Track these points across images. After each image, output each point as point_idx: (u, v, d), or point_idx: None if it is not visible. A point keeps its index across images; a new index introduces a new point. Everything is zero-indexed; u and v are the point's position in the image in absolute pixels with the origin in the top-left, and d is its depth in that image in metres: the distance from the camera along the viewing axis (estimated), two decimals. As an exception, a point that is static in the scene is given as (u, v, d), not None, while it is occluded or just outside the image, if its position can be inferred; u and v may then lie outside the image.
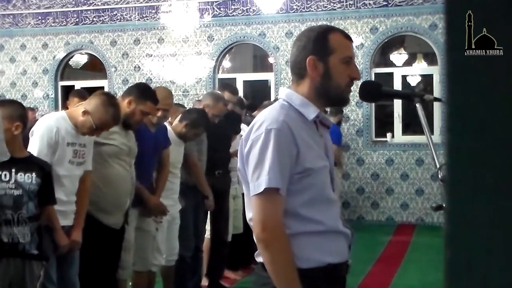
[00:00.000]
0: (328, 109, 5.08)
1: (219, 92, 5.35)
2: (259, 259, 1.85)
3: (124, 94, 3.72)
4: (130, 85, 3.91)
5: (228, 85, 5.43)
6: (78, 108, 3.39)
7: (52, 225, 3.20)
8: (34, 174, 3.02)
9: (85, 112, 3.29)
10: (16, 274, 2.95)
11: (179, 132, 4.34)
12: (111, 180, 3.55)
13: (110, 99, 3.37)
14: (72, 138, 3.29)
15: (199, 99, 5.76)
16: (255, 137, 1.78)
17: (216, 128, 4.90)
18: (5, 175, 2.94)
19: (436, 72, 8.49)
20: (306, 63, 1.83)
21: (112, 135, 3.53)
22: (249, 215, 1.87)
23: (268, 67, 9.61)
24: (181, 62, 9.25)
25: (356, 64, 1.94)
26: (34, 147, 3.21)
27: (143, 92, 3.66)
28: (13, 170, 2.96)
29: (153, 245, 4.14)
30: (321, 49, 1.83)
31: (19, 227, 2.96)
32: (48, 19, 9.85)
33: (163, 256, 4.23)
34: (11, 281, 2.93)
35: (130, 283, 4.12)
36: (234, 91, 5.47)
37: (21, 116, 3.10)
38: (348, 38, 1.89)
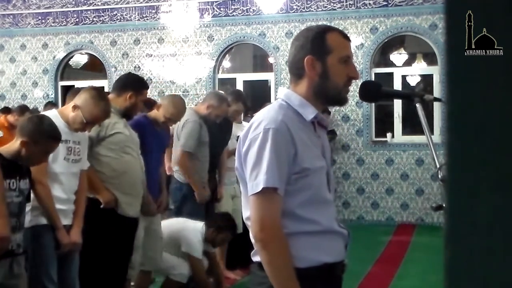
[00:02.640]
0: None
1: (223, 92, 5.35)
2: (256, 258, 1.85)
3: (120, 89, 3.77)
4: (122, 80, 3.96)
5: (240, 96, 5.36)
6: (69, 105, 3.41)
7: (53, 224, 3.21)
8: (27, 179, 3.04)
9: (75, 107, 3.30)
10: (8, 267, 2.95)
11: (207, 237, 4.41)
12: (124, 170, 3.61)
13: (99, 93, 3.39)
14: (65, 135, 3.30)
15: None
16: (253, 137, 1.78)
17: (218, 130, 4.91)
18: (13, 183, 2.94)
19: (436, 72, 8.49)
20: (304, 63, 1.83)
21: (115, 125, 3.60)
22: (245, 214, 1.87)
23: (268, 67, 9.61)
24: (181, 62, 9.25)
25: (354, 63, 1.94)
26: None
27: (139, 84, 3.84)
28: (17, 177, 2.97)
29: (161, 245, 4.17)
30: (319, 49, 1.83)
31: (19, 233, 2.98)
32: (48, 19, 9.85)
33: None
34: (2, 278, 2.93)
35: (132, 283, 4.12)
36: (246, 103, 5.45)
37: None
38: (346, 37, 1.89)
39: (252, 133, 1.79)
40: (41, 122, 2.97)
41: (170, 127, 4.62)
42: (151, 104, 5.56)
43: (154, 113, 4.27)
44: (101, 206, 3.55)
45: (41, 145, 2.94)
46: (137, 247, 3.89)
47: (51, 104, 8.65)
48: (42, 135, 2.94)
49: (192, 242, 4.27)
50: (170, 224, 4.38)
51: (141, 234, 3.92)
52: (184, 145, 4.58)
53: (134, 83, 3.81)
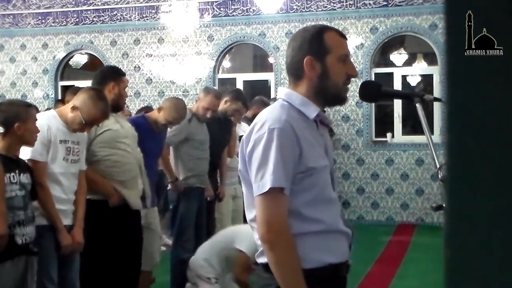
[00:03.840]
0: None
1: (215, 88, 5.30)
2: (261, 259, 1.84)
3: (100, 84, 3.74)
4: (99, 75, 3.92)
5: (240, 95, 5.22)
6: (67, 105, 3.41)
7: (54, 225, 3.21)
8: (28, 174, 3.07)
9: (74, 108, 3.30)
10: (21, 271, 2.99)
11: None
12: (118, 166, 3.59)
13: (98, 93, 3.39)
14: (64, 136, 3.30)
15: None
16: (257, 137, 1.77)
17: (218, 130, 4.88)
18: (13, 176, 2.97)
19: (436, 72, 8.49)
20: (303, 64, 1.83)
21: (104, 122, 3.58)
22: (249, 215, 1.86)
23: (268, 67, 9.61)
24: (181, 62, 9.25)
25: (354, 64, 1.94)
26: (28, 148, 3.20)
27: (116, 73, 3.85)
28: (17, 171, 2.99)
29: (159, 245, 4.17)
30: (317, 49, 1.83)
31: (29, 226, 3.01)
32: (48, 19, 9.85)
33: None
34: (15, 278, 2.96)
35: None
36: (245, 103, 5.25)
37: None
38: (342, 36, 1.90)
39: (256, 133, 1.78)
40: (11, 102, 3.14)
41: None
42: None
43: (154, 115, 4.25)
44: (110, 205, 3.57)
45: (29, 117, 3.03)
46: None
47: (60, 102, 8.61)
48: (22, 108, 3.04)
49: (248, 239, 3.98)
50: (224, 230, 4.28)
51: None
52: (167, 141, 4.57)
53: (111, 74, 3.82)
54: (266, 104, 6.31)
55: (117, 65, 9.39)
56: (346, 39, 1.90)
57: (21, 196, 2.98)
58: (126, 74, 4.02)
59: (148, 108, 6.99)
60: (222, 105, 4.98)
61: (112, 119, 3.65)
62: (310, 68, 1.83)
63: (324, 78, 1.83)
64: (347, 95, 1.92)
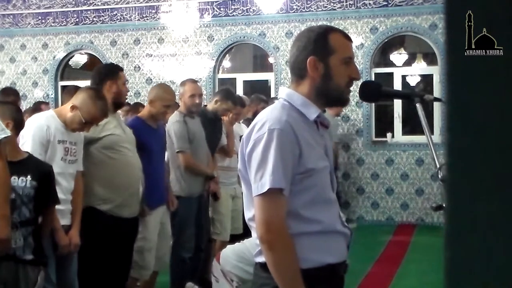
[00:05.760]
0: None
1: (193, 79, 5.24)
2: (259, 259, 1.85)
3: (98, 84, 3.71)
4: (96, 75, 3.84)
5: (229, 94, 5.13)
6: (66, 105, 3.40)
7: (52, 225, 3.19)
8: (29, 177, 2.94)
9: (73, 107, 3.29)
10: (9, 278, 2.86)
11: None
12: (118, 171, 3.58)
13: (97, 93, 3.39)
14: (63, 136, 3.29)
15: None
16: (257, 137, 1.77)
17: (209, 129, 4.87)
18: None
19: (436, 72, 8.49)
20: (306, 64, 1.83)
21: (105, 126, 3.56)
22: (248, 215, 1.86)
23: (268, 67, 9.61)
24: (181, 62, 9.25)
25: (355, 64, 1.94)
26: (27, 148, 3.17)
27: (112, 70, 3.83)
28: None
29: (169, 246, 4.19)
30: (321, 49, 1.83)
31: (12, 231, 2.81)
32: (48, 19, 9.85)
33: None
34: (4, 285, 2.85)
35: (138, 283, 4.15)
36: (235, 102, 5.16)
37: (13, 115, 3.13)
38: (348, 38, 1.89)
39: (256, 133, 1.78)
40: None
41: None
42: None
43: (147, 111, 4.20)
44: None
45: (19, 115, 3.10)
46: (151, 248, 3.93)
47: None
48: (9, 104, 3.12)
49: None
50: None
51: (155, 236, 3.97)
52: (179, 147, 4.53)
53: (107, 72, 3.79)
54: (262, 100, 6.31)
55: (117, 65, 9.41)
56: (351, 41, 1.90)
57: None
58: (126, 74, 4.00)
59: (137, 105, 6.88)
60: (213, 105, 5.00)
61: (114, 123, 3.63)
62: (313, 68, 1.82)
63: (326, 79, 1.83)
64: (349, 96, 1.92)
